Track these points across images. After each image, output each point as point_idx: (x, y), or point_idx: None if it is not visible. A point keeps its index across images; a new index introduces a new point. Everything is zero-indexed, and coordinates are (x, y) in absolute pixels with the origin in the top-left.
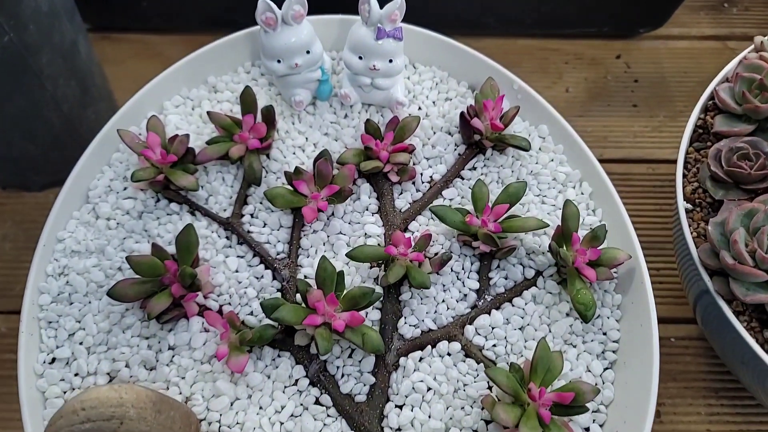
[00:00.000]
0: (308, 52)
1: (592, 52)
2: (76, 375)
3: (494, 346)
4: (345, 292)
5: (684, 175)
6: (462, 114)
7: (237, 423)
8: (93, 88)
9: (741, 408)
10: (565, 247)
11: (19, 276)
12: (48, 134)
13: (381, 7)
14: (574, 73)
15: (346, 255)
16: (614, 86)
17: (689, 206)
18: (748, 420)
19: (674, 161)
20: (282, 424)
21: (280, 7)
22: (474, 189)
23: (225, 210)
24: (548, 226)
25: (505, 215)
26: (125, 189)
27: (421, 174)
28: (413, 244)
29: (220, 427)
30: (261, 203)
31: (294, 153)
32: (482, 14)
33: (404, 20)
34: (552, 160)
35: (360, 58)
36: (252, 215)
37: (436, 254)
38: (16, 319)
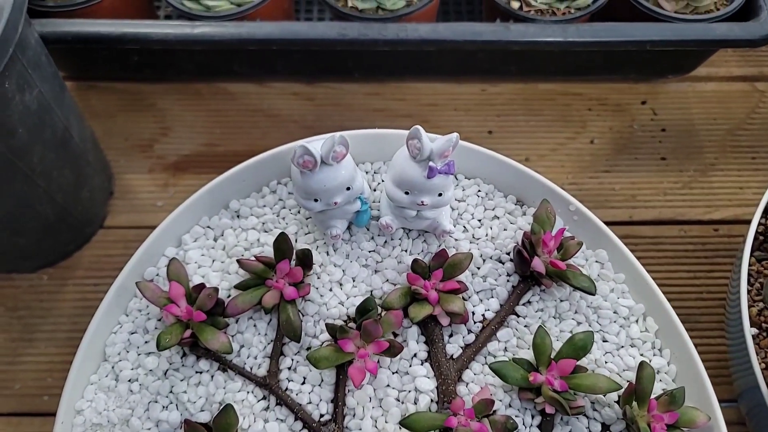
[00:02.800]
0: (348, 188)
1: (616, 97)
2: None
3: None
4: None
5: (748, 291)
6: (519, 251)
7: None
8: (87, 168)
9: None
10: (638, 409)
11: (17, 372)
12: (40, 227)
13: None
14: (598, 122)
15: (400, 423)
16: (641, 136)
17: (755, 331)
18: None
19: (706, 222)
20: None
21: None
22: (536, 340)
23: (260, 365)
24: (621, 388)
25: (572, 372)
26: (146, 343)
27: (473, 312)
28: (474, 411)
29: None
30: (299, 353)
31: (331, 290)
32: (503, 63)
33: (423, 71)
34: (612, 291)
35: (406, 193)
36: (290, 368)
37: (494, 411)
38: (17, 422)
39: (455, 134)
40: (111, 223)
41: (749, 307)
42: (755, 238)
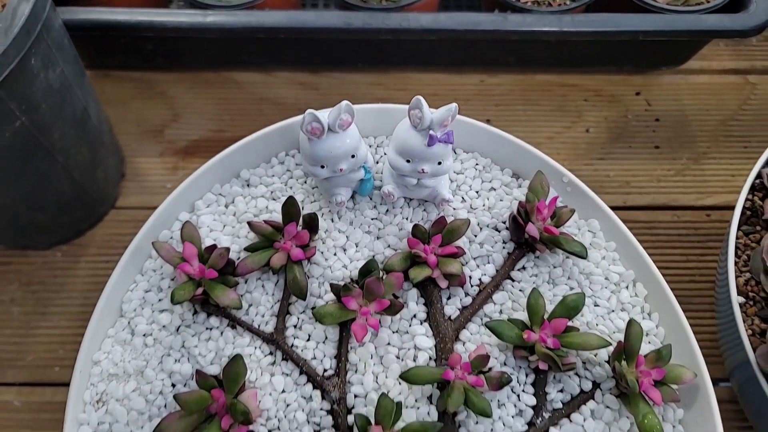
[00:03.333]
0: (353, 156)
1: (611, 89)
2: None
3: None
4: (405, 425)
5: (735, 262)
6: (514, 218)
7: None
8: (102, 148)
9: None
10: (627, 366)
11: (30, 344)
12: (58, 202)
13: None
14: (593, 112)
15: (400, 377)
16: (635, 126)
17: (742, 299)
18: None
19: (698, 208)
20: None
21: None
22: (530, 301)
23: (267, 322)
24: (611, 344)
25: (565, 330)
26: (160, 301)
27: (470, 277)
28: (470, 366)
29: None
30: (304, 312)
31: (335, 254)
32: (501, 55)
33: (425, 61)
34: (604, 258)
35: (407, 161)
36: (296, 326)
37: (490, 369)
38: (29, 392)
39: (454, 104)
40: (122, 203)
41: (736, 277)
42: (742, 213)
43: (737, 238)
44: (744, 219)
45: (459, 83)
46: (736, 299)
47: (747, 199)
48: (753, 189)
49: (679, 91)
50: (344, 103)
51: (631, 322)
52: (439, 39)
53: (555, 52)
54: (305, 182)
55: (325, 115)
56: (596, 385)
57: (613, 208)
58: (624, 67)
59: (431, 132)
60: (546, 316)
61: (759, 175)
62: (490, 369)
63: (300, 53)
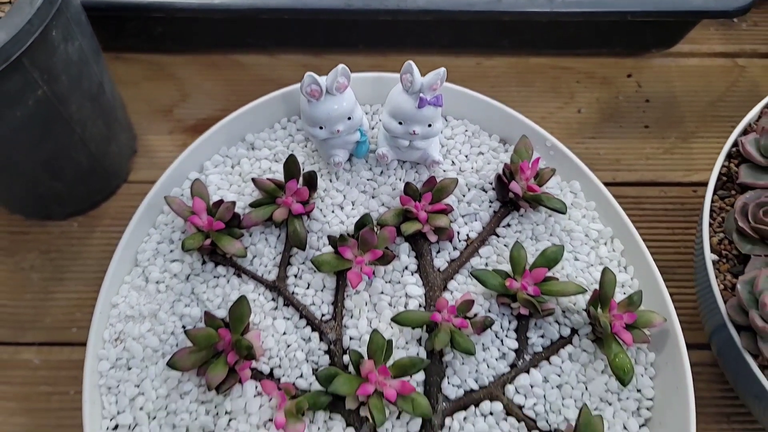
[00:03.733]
0: (349, 118)
1: (603, 71)
2: None
3: (534, 404)
4: (395, 360)
5: (710, 223)
6: (499, 176)
7: None
8: (115, 123)
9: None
10: (602, 311)
11: (49, 308)
12: (75, 172)
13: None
14: (585, 93)
15: (392, 320)
16: (626, 107)
17: (715, 257)
18: None
19: (686, 184)
20: None
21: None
22: (512, 252)
23: (270, 272)
24: (586, 291)
25: (544, 278)
26: (172, 251)
27: (458, 232)
28: (456, 309)
29: None
30: (304, 263)
31: (333, 212)
32: (496, 38)
33: (421, 44)
34: (584, 217)
35: (400, 123)
36: (296, 276)
37: (476, 315)
38: (48, 351)
39: (442, 69)
40: (134, 178)
41: (710, 237)
42: (719, 179)
43: (713, 201)
44: (720, 184)
45: (456, 65)
46: (709, 257)
47: (723, 166)
48: (729, 156)
49: (670, 74)
50: (340, 66)
51: (605, 271)
52: (436, 20)
53: (547, 34)
54: (306, 146)
55: (323, 78)
56: (574, 331)
57: (603, 185)
58: (615, 50)
59: (421, 95)
60: (528, 267)
61: (735, 144)
62: (475, 315)
63: (303, 36)
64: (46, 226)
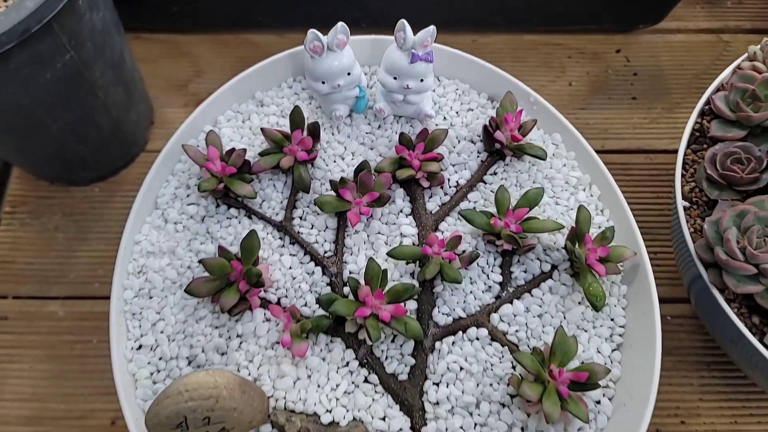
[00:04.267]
0: (349, 74)
1: (593, 47)
2: (160, 359)
3: (516, 331)
4: (389, 287)
5: (682, 175)
6: (485, 127)
7: (300, 399)
8: (135, 92)
9: (731, 380)
10: (578, 246)
11: (72, 264)
12: (98, 137)
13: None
14: (576, 68)
15: (387, 254)
16: (615, 80)
17: (687, 204)
18: (736, 390)
19: (671, 151)
20: (338, 399)
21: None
22: (497, 194)
23: (277, 214)
24: (563, 227)
25: (525, 217)
26: (188, 196)
27: (449, 179)
28: (445, 244)
29: (285, 403)
30: (308, 207)
31: (335, 161)
32: (491, 14)
33: (420, 22)
34: (564, 165)
35: (394, 78)
36: (301, 218)
37: (464, 251)
38: (72, 304)
39: (432, 27)
40: (151, 147)
41: (682, 186)
42: (691, 134)
43: (686, 155)
44: (693, 139)
45: (454, 42)
46: (681, 203)
47: (696, 122)
48: (702, 114)
49: (657, 49)
50: (339, 24)
51: (580, 209)
52: None
53: (539, 10)
54: (310, 103)
55: (324, 36)
56: (554, 267)
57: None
58: (605, 27)
59: (413, 51)
60: (511, 208)
61: (708, 102)
62: (463, 252)
63: (308, 15)
64: (70, 191)
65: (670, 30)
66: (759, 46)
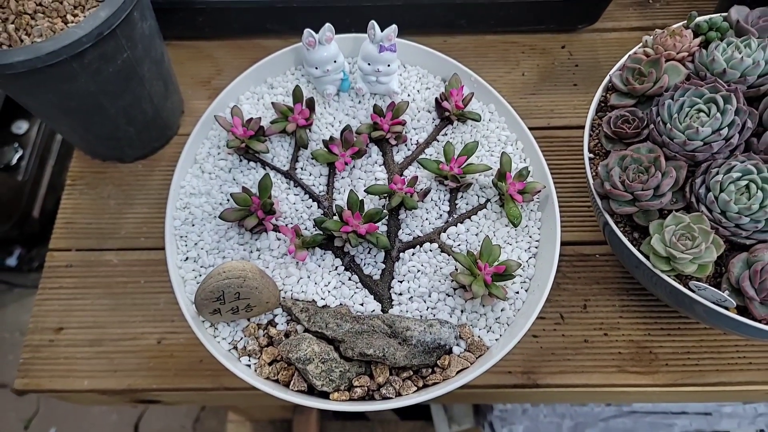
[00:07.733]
0: (335, 61)
1: (542, 44)
2: (201, 267)
3: (459, 246)
4: (365, 212)
5: (590, 135)
6: (437, 99)
7: (302, 291)
8: (171, 86)
9: (645, 302)
10: (503, 182)
11: (122, 224)
12: (143, 120)
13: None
14: (528, 61)
15: (364, 191)
16: (560, 70)
17: (591, 155)
18: (650, 310)
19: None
20: (329, 292)
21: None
22: (445, 147)
23: (284, 165)
24: (491, 168)
25: (465, 163)
26: (219, 153)
27: (411, 139)
28: (406, 182)
29: (292, 294)
30: (307, 160)
31: (326, 127)
32: (456, 18)
33: (400, 26)
34: (497, 127)
35: (369, 64)
36: (302, 168)
37: (421, 189)
38: (123, 254)
39: (394, 26)
40: (182, 132)
41: (589, 142)
42: (598, 105)
43: (594, 120)
44: (599, 108)
45: (427, 42)
46: (587, 155)
47: (602, 95)
48: (607, 89)
49: (595, 45)
50: (327, 25)
51: (502, 154)
52: (405, 5)
53: (495, 14)
54: (308, 84)
55: (316, 34)
56: (488, 200)
57: (540, 128)
58: (551, 27)
59: (381, 43)
60: (455, 157)
61: (610, 80)
62: (420, 189)
63: (308, 23)
64: (118, 167)
65: (606, 29)
66: (651, 36)
